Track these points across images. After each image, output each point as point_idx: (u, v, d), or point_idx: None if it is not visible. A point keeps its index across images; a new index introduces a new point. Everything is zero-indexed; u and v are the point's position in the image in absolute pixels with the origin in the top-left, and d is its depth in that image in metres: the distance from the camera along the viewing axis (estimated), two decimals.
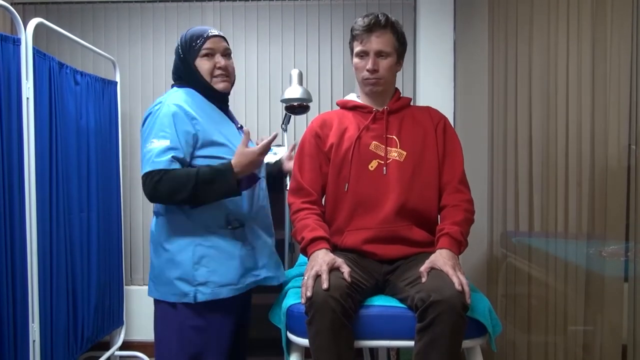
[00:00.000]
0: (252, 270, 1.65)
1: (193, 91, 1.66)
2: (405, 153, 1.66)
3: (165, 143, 1.51)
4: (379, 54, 1.64)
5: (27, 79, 1.90)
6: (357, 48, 1.66)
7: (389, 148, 1.67)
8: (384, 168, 1.65)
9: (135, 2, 2.98)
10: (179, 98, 1.60)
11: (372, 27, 1.62)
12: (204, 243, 1.59)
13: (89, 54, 2.96)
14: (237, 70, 2.98)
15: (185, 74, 1.67)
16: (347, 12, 2.96)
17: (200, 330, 1.60)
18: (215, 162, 1.57)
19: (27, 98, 1.90)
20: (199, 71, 1.64)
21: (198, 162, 1.58)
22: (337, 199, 1.68)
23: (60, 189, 2.15)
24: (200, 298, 1.57)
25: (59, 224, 2.13)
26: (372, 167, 1.66)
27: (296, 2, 2.99)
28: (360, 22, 1.65)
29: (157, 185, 1.48)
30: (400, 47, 1.69)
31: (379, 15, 1.63)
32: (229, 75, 1.69)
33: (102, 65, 2.97)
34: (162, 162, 1.50)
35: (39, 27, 1.99)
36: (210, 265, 1.59)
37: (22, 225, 1.88)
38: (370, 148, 1.67)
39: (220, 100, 1.71)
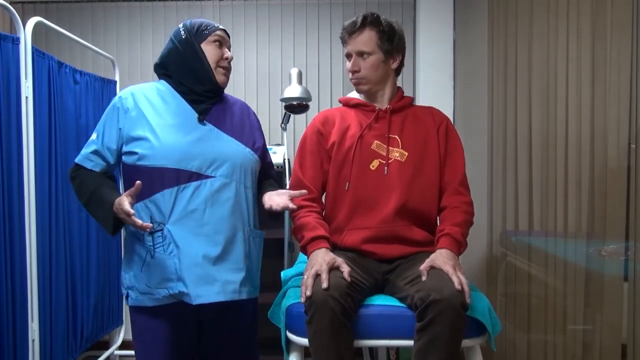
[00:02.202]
0: (168, 282, 1.49)
1: (164, 82, 1.60)
2: (406, 153, 1.66)
3: (94, 137, 1.57)
4: (360, 54, 1.67)
5: (26, 78, 1.90)
6: (344, 51, 1.72)
7: (390, 148, 1.67)
8: (385, 168, 1.65)
9: (135, 1, 2.98)
10: (131, 89, 1.58)
11: (350, 29, 1.67)
12: (129, 245, 1.56)
13: (88, 53, 2.95)
14: (237, 69, 3.02)
15: (182, 57, 1.55)
16: (346, 11, 2.96)
17: (139, 335, 1.58)
18: (132, 159, 1.50)
19: (27, 97, 1.90)
20: (204, 55, 1.56)
21: (124, 159, 1.54)
22: (337, 198, 1.68)
23: (59, 188, 2.15)
24: (129, 302, 1.56)
25: (58, 223, 2.13)
26: (373, 166, 1.65)
27: (296, 1, 2.99)
28: (343, 27, 1.70)
29: (71, 180, 1.58)
30: (386, 43, 1.67)
31: (358, 17, 1.66)
32: (230, 70, 1.63)
33: (102, 64, 2.96)
34: (82, 156, 1.57)
35: (38, 26, 1.98)
36: (133, 269, 1.54)
37: (22, 224, 1.88)
38: (372, 147, 1.66)
39: (206, 93, 1.58)
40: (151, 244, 1.50)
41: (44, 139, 2.05)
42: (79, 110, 2.35)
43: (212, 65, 1.57)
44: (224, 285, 1.49)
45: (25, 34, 1.90)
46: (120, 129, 1.53)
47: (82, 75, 2.39)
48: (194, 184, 1.49)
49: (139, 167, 1.50)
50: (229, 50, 1.63)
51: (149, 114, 1.52)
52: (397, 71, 1.76)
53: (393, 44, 1.68)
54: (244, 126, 1.65)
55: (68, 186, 2.23)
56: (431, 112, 1.76)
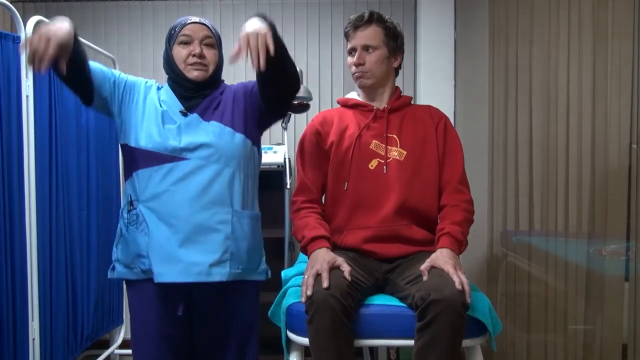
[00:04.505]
0: (142, 257, 1.54)
1: (166, 86, 1.66)
2: (405, 152, 1.66)
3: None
4: (366, 48, 1.67)
5: (26, 77, 1.90)
6: (348, 46, 1.71)
7: (389, 147, 1.67)
8: (384, 167, 1.65)
9: None
10: (151, 81, 1.68)
11: (357, 23, 1.67)
12: (119, 221, 1.64)
13: (89, 52, 2.92)
14: (237, 68, 3.01)
15: (165, 65, 1.64)
16: (347, 11, 2.96)
17: (131, 309, 1.64)
18: (121, 138, 1.59)
19: (27, 96, 1.90)
20: (174, 59, 1.58)
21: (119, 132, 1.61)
22: (337, 198, 1.68)
23: (59, 187, 2.14)
24: (113, 275, 1.64)
25: (58, 222, 2.13)
26: (372, 166, 1.65)
27: (296, 1, 2.99)
28: (348, 21, 1.70)
29: None
30: (391, 41, 1.69)
31: (365, 12, 1.68)
32: (206, 64, 1.58)
33: (102, 63, 2.95)
34: None
35: (38, 25, 1.98)
36: (120, 243, 1.63)
37: (22, 223, 1.88)
38: (370, 147, 1.66)
39: (190, 90, 1.60)
40: (127, 220, 1.58)
41: (44, 138, 2.05)
42: (79, 109, 2.34)
43: (182, 67, 1.58)
44: (187, 267, 1.48)
45: (26, 33, 1.89)
46: (124, 86, 1.64)
47: None
48: (167, 166, 1.52)
49: (124, 146, 1.59)
50: (203, 41, 1.57)
51: (146, 103, 1.60)
52: (396, 72, 1.77)
53: (397, 42, 1.71)
54: (233, 108, 1.62)
55: (68, 185, 2.24)
56: (429, 110, 1.76)
